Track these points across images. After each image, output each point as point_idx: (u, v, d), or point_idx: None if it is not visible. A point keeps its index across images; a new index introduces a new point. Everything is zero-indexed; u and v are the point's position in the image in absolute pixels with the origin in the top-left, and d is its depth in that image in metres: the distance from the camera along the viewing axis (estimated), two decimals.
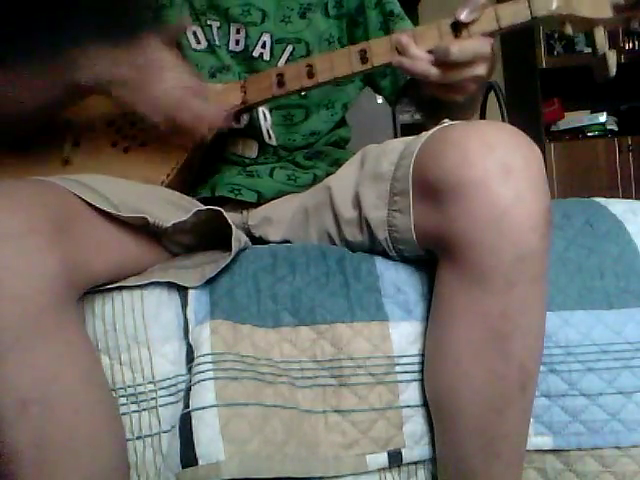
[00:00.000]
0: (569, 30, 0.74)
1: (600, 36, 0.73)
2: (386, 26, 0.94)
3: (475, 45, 0.71)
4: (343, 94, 0.95)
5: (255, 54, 0.89)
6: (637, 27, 0.73)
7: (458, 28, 0.73)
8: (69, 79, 0.74)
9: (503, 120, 2.36)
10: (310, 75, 0.78)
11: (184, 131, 0.75)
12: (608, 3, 0.72)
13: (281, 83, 0.79)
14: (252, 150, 0.90)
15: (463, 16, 0.72)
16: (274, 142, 0.90)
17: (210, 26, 0.88)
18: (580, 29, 0.74)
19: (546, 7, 0.71)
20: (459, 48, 0.69)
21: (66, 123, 0.83)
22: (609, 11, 0.72)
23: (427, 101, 0.91)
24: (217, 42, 0.88)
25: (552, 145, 3.21)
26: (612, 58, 0.72)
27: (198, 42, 0.88)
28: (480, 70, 0.71)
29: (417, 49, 0.73)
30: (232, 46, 0.89)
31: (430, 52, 0.72)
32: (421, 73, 0.72)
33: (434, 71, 0.71)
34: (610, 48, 0.73)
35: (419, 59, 0.72)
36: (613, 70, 0.72)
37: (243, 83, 0.82)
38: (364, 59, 0.77)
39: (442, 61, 0.71)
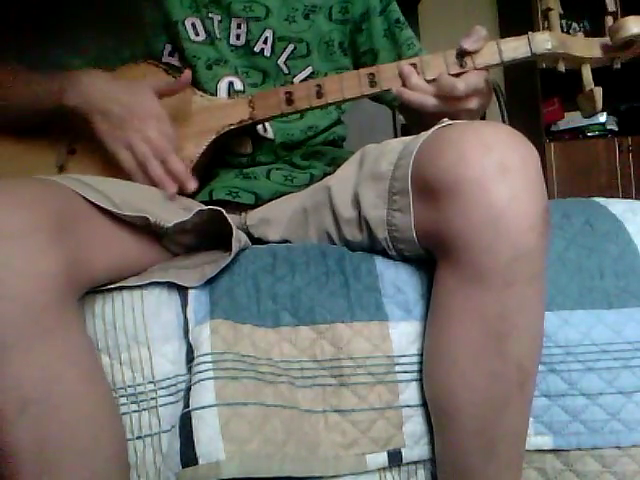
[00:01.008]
0: (562, 67, 0.80)
1: (587, 73, 0.80)
2: (391, 33, 0.97)
3: (475, 80, 0.76)
4: None
5: (256, 49, 0.89)
6: (619, 66, 0.80)
7: (463, 59, 0.78)
8: (56, 98, 0.77)
9: (503, 120, 2.36)
10: (319, 95, 0.81)
11: (151, 182, 0.76)
12: (597, 44, 0.79)
13: (290, 101, 0.81)
14: (246, 147, 0.90)
15: (467, 45, 0.76)
16: (270, 135, 0.90)
17: (211, 19, 0.88)
18: (571, 66, 0.80)
19: (544, 46, 0.78)
20: (465, 83, 0.74)
21: (60, 130, 0.83)
22: (598, 51, 0.80)
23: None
24: (217, 35, 0.88)
25: (552, 145, 3.20)
26: (598, 93, 0.77)
27: (197, 34, 0.88)
28: (473, 104, 0.76)
29: (418, 79, 0.77)
30: (233, 40, 0.89)
31: (430, 81, 0.77)
32: (419, 103, 0.77)
33: (431, 102, 0.76)
34: (596, 85, 0.79)
35: (418, 89, 0.76)
36: (599, 105, 0.77)
37: (251, 99, 0.83)
38: (373, 83, 0.80)
39: (445, 93, 0.75)
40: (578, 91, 0.80)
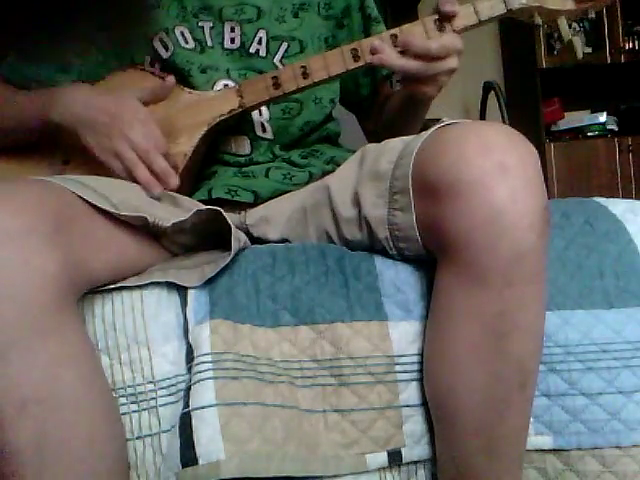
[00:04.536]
0: (538, 20, 0.83)
1: (564, 25, 0.83)
2: (366, 28, 0.99)
3: (449, 40, 0.78)
4: (329, 91, 0.97)
5: (252, 50, 0.90)
6: (593, 15, 0.86)
7: (442, 24, 0.80)
8: (41, 113, 0.77)
9: (503, 120, 2.36)
10: (305, 75, 0.82)
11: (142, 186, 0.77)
12: None
13: (277, 85, 0.82)
14: (244, 146, 0.91)
15: (448, 7, 0.79)
16: (269, 135, 0.91)
17: (202, 27, 0.89)
18: (547, 19, 0.83)
19: (518, 1, 0.80)
20: (439, 43, 0.77)
21: (53, 142, 0.83)
22: (571, 2, 0.83)
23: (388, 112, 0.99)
24: (209, 43, 0.89)
25: (552, 145, 3.21)
26: (578, 42, 0.81)
27: (186, 42, 0.88)
28: (453, 63, 0.78)
29: (392, 50, 0.80)
30: (227, 44, 0.90)
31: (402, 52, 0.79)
32: (399, 66, 0.79)
33: (414, 65, 0.78)
34: (574, 35, 0.83)
35: (395, 55, 0.79)
36: (580, 53, 0.82)
37: (238, 88, 0.83)
38: (356, 57, 0.82)
39: (420, 54, 0.77)
40: (558, 43, 0.85)
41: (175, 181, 0.77)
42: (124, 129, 0.75)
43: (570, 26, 0.83)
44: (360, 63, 0.82)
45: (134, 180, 0.75)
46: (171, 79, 0.84)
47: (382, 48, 0.79)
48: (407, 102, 0.93)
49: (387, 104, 1.02)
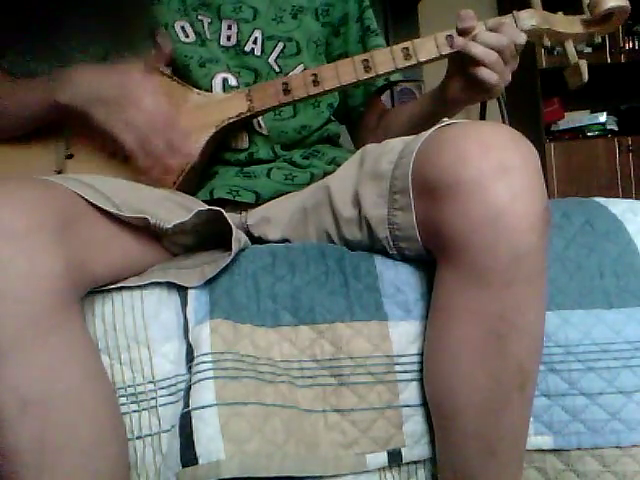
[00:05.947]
0: (547, 42, 0.85)
1: (571, 48, 0.85)
2: (363, 40, 1.00)
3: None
4: (328, 95, 0.97)
5: (247, 49, 0.91)
6: (599, 40, 0.85)
7: (453, 40, 0.82)
8: (48, 95, 0.77)
9: (503, 120, 2.36)
10: (315, 83, 0.83)
11: (154, 160, 0.77)
12: (578, 20, 0.85)
13: (287, 91, 0.83)
14: (243, 141, 0.91)
15: (466, 24, 0.80)
16: (265, 132, 0.91)
17: (201, 21, 0.90)
18: (554, 42, 0.85)
19: (529, 23, 0.83)
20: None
21: (57, 135, 0.83)
22: (580, 27, 0.85)
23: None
24: (208, 36, 0.90)
25: (552, 145, 3.20)
26: (584, 66, 0.82)
27: (186, 36, 0.89)
28: (516, 62, 0.81)
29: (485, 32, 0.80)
30: (223, 41, 0.91)
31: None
32: (481, 56, 0.78)
33: (494, 57, 0.78)
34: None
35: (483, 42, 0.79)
36: (585, 77, 0.83)
37: (248, 92, 0.84)
38: (367, 68, 0.83)
39: (511, 42, 0.79)
40: (564, 66, 0.86)
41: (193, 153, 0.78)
42: (134, 101, 0.75)
43: (576, 48, 0.85)
44: (371, 74, 0.83)
45: (144, 155, 0.76)
46: (166, 36, 0.85)
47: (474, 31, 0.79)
48: (427, 116, 0.91)
49: (389, 120, 1.01)
